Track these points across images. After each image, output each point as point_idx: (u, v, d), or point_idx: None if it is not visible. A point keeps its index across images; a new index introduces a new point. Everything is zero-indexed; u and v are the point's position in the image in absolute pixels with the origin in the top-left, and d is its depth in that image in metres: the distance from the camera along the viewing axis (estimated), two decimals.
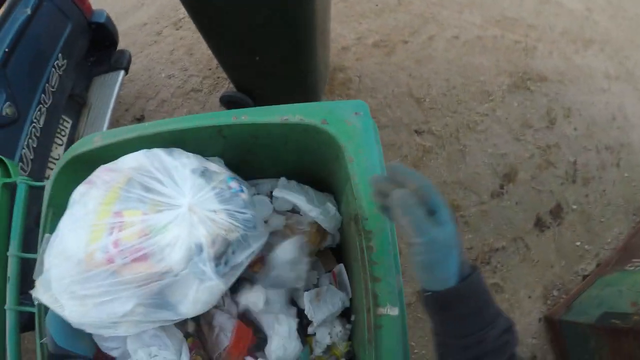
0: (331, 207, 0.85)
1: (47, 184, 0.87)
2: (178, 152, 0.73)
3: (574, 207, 2.08)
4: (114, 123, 2.14)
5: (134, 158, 0.67)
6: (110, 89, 2.14)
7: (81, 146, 0.85)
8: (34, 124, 1.73)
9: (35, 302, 0.78)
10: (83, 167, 0.88)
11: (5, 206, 0.97)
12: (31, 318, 0.86)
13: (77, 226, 0.60)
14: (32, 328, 0.88)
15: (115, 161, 0.72)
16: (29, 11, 1.78)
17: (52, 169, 1.86)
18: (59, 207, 0.86)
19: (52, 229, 0.83)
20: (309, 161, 0.85)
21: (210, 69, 2.69)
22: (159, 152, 0.70)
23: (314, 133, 0.74)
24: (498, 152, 2.19)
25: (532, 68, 2.52)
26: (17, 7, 1.78)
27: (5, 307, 0.86)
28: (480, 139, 2.22)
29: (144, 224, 0.59)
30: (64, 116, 2.00)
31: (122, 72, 2.18)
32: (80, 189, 0.69)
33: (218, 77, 2.63)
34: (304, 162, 0.86)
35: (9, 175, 0.98)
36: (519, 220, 2.02)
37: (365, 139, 0.73)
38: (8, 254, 0.90)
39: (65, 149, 1.98)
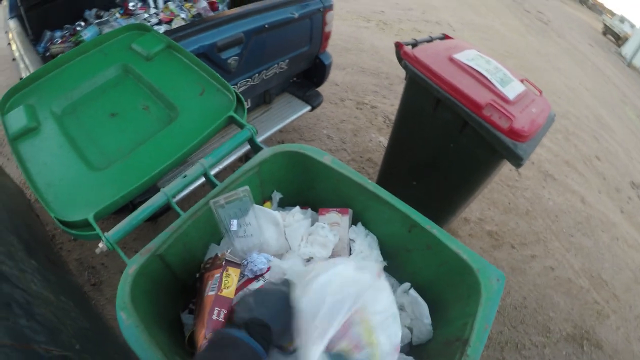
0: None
1: (266, 150, 1.09)
2: None
3: None
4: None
5: None
6: (291, 111, 2.47)
7: (312, 152, 1.12)
8: (234, 87, 1.97)
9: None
10: (293, 162, 1.13)
11: (215, 131, 1.13)
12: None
13: None
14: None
15: None
16: (295, 15, 2.09)
17: None
18: (261, 173, 1.09)
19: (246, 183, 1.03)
20: (443, 281, 1.05)
21: (361, 157, 2.92)
22: None
23: (466, 272, 0.97)
24: None
25: (595, 332, 2.57)
26: (290, 7, 2.08)
27: (163, 189, 0.96)
28: None
29: None
30: (249, 99, 2.32)
31: (308, 107, 2.52)
32: None
33: (362, 167, 2.88)
34: (440, 278, 1.06)
35: (237, 114, 1.17)
36: None
37: (494, 297, 0.93)
38: (199, 161, 1.04)
39: None
